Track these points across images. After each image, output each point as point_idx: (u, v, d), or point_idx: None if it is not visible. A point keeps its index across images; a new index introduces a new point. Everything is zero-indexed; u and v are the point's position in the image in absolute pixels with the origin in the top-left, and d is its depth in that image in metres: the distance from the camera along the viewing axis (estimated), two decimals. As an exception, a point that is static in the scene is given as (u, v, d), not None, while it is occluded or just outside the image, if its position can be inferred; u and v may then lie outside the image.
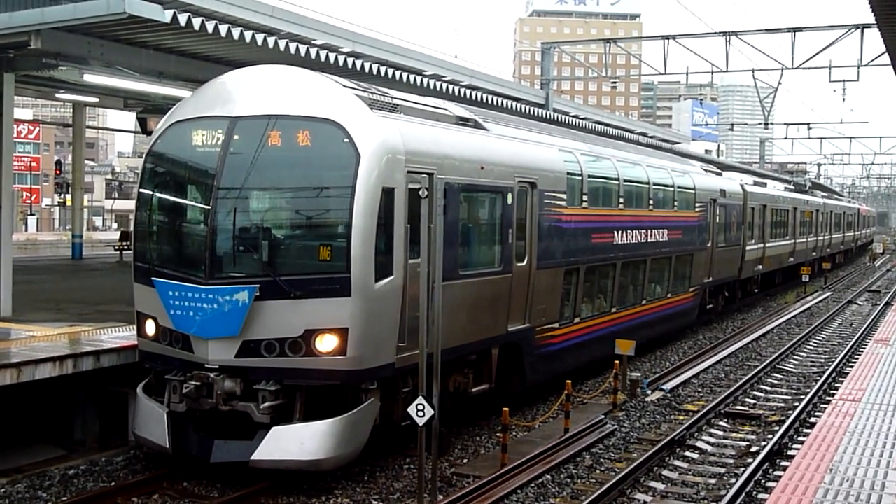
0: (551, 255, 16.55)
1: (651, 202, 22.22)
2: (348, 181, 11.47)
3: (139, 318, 12.69)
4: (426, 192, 11.25)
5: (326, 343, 11.46)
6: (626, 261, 20.57)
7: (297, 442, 11.31)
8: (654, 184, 22.56)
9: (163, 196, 12.82)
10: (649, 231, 21.88)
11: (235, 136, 11.90)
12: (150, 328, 12.43)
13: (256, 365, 11.57)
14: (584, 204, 18.13)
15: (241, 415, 11.56)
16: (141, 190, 12.95)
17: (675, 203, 23.95)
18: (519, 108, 25.14)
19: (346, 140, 11.59)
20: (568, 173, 17.32)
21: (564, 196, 17.05)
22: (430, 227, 11.22)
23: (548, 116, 27.13)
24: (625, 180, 20.55)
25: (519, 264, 15.34)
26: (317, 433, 11.36)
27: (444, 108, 14.78)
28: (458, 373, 14.13)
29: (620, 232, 20.10)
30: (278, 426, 11.41)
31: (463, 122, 14.84)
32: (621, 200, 20.28)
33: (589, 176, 18.42)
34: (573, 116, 31.76)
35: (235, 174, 11.80)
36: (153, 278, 12.09)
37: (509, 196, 14.97)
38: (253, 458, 11.34)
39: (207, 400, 11.56)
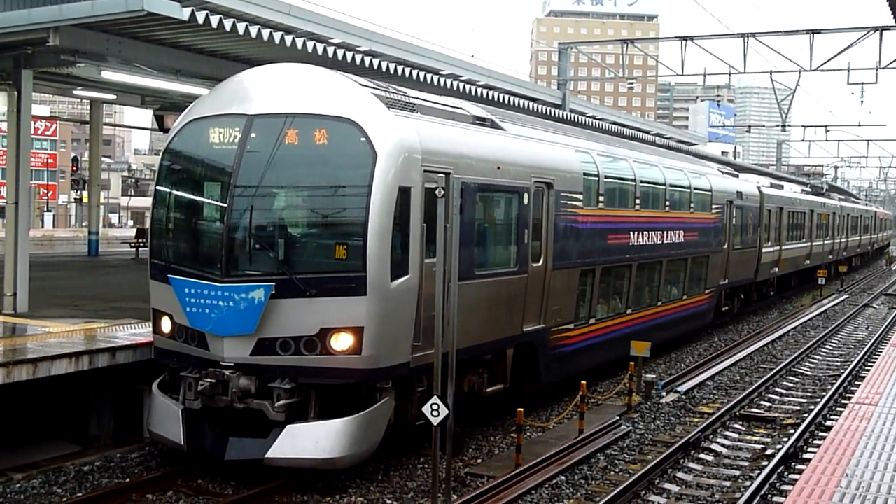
0: (567, 256, 16.52)
1: (667, 203, 22.16)
2: (365, 180, 11.47)
3: (155, 315, 12.73)
4: (443, 192, 11.24)
5: (342, 342, 11.47)
6: (641, 262, 20.52)
7: (311, 440, 11.31)
8: (671, 185, 22.49)
9: (179, 193, 12.86)
10: (665, 232, 21.82)
11: (252, 134, 11.92)
12: (166, 325, 12.46)
13: (271, 363, 11.59)
14: (601, 205, 18.11)
15: (255, 413, 11.58)
16: (158, 187, 12.99)
17: (692, 204, 23.87)
18: (536, 109, 25.12)
19: (363, 139, 11.60)
20: (584, 174, 17.29)
21: (581, 197, 17.02)
22: (446, 226, 11.21)
23: (564, 117, 27.10)
24: (641, 181, 20.51)
25: (535, 265, 15.32)
26: (331, 432, 11.36)
27: (460, 108, 14.78)
28: (473, 373, 14.11)
29: (636, 233, 20.06)
30: (293, 424, 11.41)
31: (480, 121, 14.83)
32: (638, 201, 20.25)
33: (605, 177, 18.39)
34: (590, 117, 31.69)
35: (252, 172, 11.82)
36: (169, 275, 12.12)
37: (525, 196, 14.96)
38: (267, 456, 11.35)
39: (222, 397, 11.58)
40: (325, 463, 11.40)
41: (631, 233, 19.79)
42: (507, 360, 14.91)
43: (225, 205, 11.78)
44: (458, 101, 15.38)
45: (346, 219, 11.91)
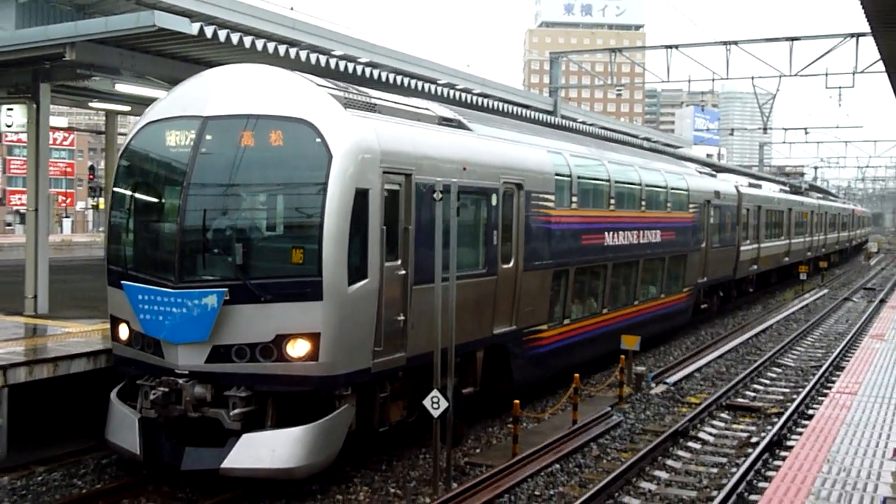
0: (539, 257, 15.80)
1: (643, 203, 21.41)
2: (320, 181, 10.75)
3: (113, 321, 12.02)
4: (439, 195, 11.01)
5: (298, 348, 10.74)
6: (617, 262, 19.79)
7: (268, 449, 10.56)
8: (647, 185, 21.73)
9: (134, 197, 12.06)
10: (641, 232, 21.13)
11: (207, 137, 11.20)
12: (124, 332, 11.74)
13: (227, 370, 10.84)
14: (574, 205, 17.42)
15: (212, 421, 10.86)
16: (114, 189, 12.24)
17: (669, 204, 23.17)
18: (528, 115, 25.05)
19: (318, 140, 10.89)
20: (557, 174, 16.58)
21: (553, 197, 16.30)
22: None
23: (554, 122, 27.04)
24: (616, 182, 19.79)
25: (505, 266, 14.61)
26: (288, 440, 10.62)
27: (426, 109, 14.06)
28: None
29: (611, 233, 19.35)
30: (249, 433, 10.68)
31: (446, 122, 14.13)
32: (612, 202, 19.54)
33: (579, 177, 17.68)
34: (580, 122, 31.71)
35: (206, 175, 11.11)
36: (122, 281, 11.45)
37: (494, 197, 14.21)
38: (223, 465, 10.60)
39: (176, 406, 10.80)
40: (281, 473, 10.64)
41: (606, 233, 19.09)
42: (478, 363, 14.24)
43: (178, 208, 11.03)
44: (424, 102, 14.66)
45: (302, 222, 11.15)
